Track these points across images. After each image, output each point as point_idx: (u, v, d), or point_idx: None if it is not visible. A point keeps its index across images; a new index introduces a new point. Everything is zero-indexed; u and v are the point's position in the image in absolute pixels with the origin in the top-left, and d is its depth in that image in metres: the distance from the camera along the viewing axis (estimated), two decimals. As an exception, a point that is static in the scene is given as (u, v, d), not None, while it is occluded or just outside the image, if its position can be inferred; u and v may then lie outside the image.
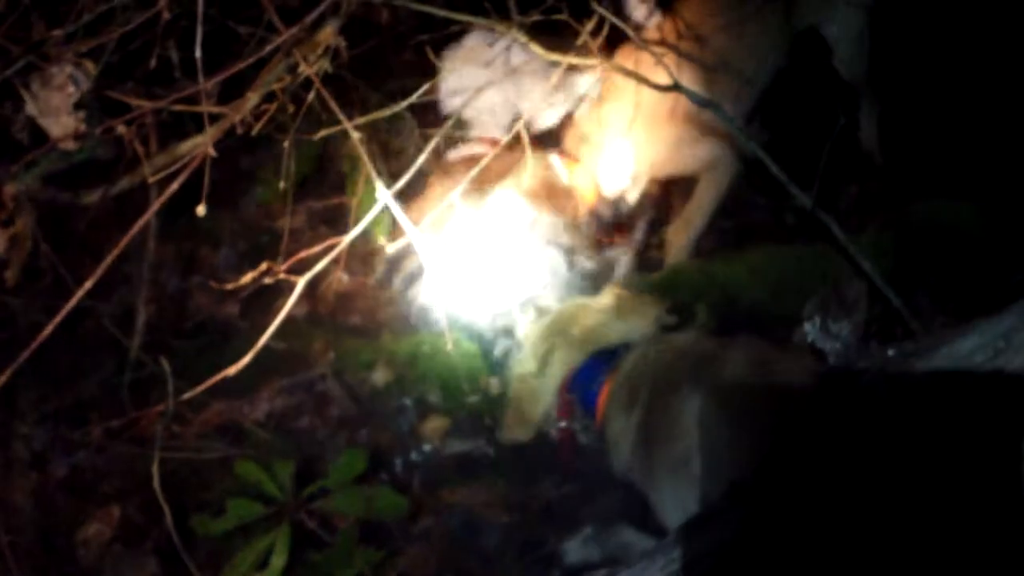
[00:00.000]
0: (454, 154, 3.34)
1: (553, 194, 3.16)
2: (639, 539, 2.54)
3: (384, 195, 2.37)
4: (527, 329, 2.80)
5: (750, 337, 2.53)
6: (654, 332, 2.64)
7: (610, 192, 3.22)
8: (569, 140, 3.27)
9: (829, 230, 2.75)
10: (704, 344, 2.51)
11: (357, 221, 2.51)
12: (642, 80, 2.74)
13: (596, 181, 3.22)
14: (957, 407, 2.06)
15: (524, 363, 2.75)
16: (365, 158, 2.49)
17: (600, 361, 2.61)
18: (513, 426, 2.79)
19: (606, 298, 2.76)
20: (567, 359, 2.67)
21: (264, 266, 2.69)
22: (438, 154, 3.31)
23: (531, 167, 3.03)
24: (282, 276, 2.69)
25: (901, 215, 3.08)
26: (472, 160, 3.07)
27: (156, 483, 2.49)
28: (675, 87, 2.65)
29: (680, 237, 3.23)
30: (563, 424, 2.68)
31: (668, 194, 3.39)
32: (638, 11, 3.19)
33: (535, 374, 2.71)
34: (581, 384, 2.62)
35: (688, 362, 2.44)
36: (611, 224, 3.29)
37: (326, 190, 3.57)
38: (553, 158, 3.19)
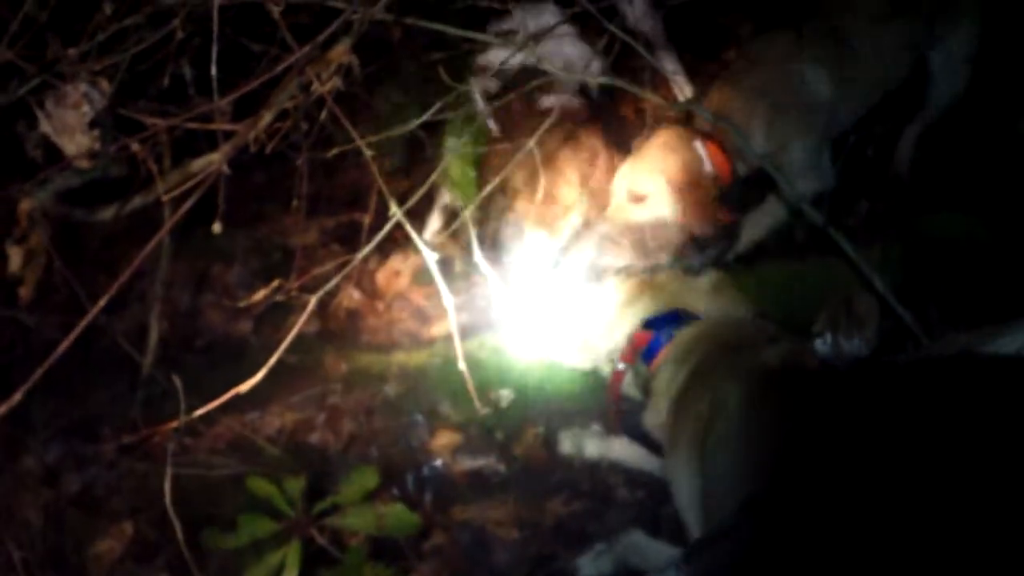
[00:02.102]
0: (547, 101, 3.36)
1: (694, 181, 3.14)
2: (650, 544, 2.56)
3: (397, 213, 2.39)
4: (620, 280, 2.84)
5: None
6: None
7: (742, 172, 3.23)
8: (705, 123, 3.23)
9: (840, 245, 2.77)
10: (757, 333, 2.54)
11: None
12: (654, 97, 2.77)
13: (728, 161, 3.21)
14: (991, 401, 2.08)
15: (609, 302, 2.79)
16: (377, 175, 2.52)
17: (677, 316, 2.66)
18: (579, 351, 2.85)
19: (706, 278, 2.81)
20: (649, 308, 2.71)
21: (276, 283, 2.72)
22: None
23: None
24: (295, 293, 2.73)
25: (910, 229, 3.09)
26: (567, 111, 3.10)
27: (168, 499, 2.51)
28: (690, 103, 2.67)
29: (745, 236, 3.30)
30: (621, 366, 2.70)
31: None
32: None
33: (617, 310, 2.75)
34: (657, 327, 2.65)
35: (734, 345, 2.49)
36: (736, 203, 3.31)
37: (338, 207, 3.59)
38: (697, 143, 3.15)
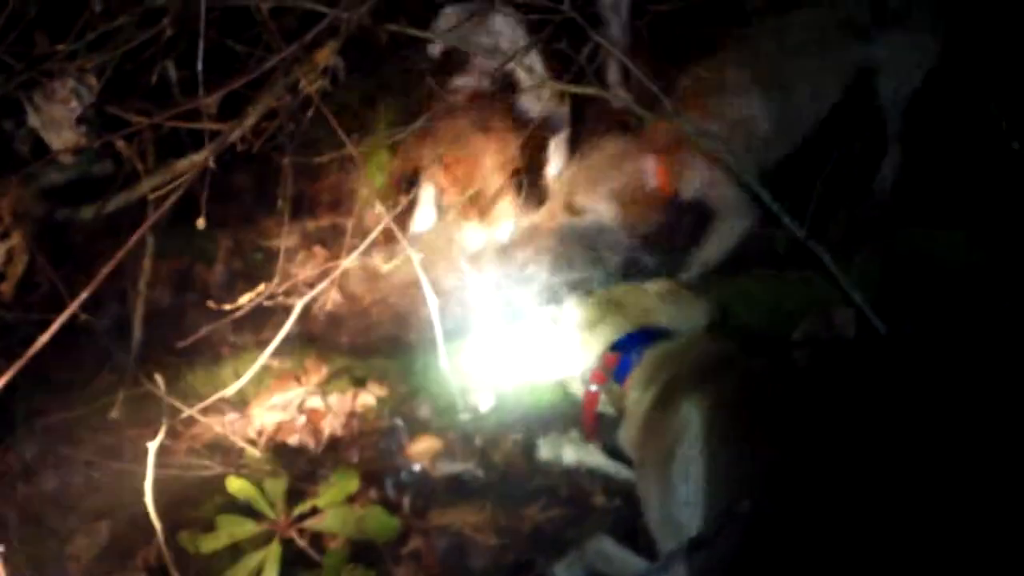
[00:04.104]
0: (459, 81, 3.36)
1: (640, 198, 3.17)
2: (617, 551, 2.57)
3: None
4: (581, 301, 2.83)
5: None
6: (697, 325, 2.72)
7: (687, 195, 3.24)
8: (658, 138, 3.24)
9: (819, 258, 2.79)
10: (721, 350, 2.55)
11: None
12: (637, 111, 2.79)
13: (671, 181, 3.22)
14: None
15: (574, 323, 2.79)
16: (365, 178, 2.53)
17: (646, 334, 2.66)
18: (551, 372, 2.86)
19: (658, 284, 2.81)
20: (615, 327, 2.70)
21: (262, 287, 2.72)
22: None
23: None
24: (279, 298, 2.73)
25: (889, 243, 3.12)
26: (476, 95, 3.09)
27: (149, 499, 2.50)
28: (673, 116, 2.69)
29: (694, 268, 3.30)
30: (593, 388, 2.70)
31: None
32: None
33: (584, 332, 2.75)
34: (626, 348, 2.65)
35: (701, 363, 2.49)
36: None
37: (320, 210, 3.59)
38: (647, 162, 3.17)
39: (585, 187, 3.16)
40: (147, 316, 3.13)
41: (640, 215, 3.16)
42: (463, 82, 3.37)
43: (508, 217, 3.35)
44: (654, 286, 2.80)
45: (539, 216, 3.24)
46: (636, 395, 2.55)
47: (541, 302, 2.98)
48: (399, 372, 3.18)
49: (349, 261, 2.59)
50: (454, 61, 3.28)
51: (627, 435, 2.59)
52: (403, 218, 3.31)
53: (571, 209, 3.16)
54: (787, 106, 3.25)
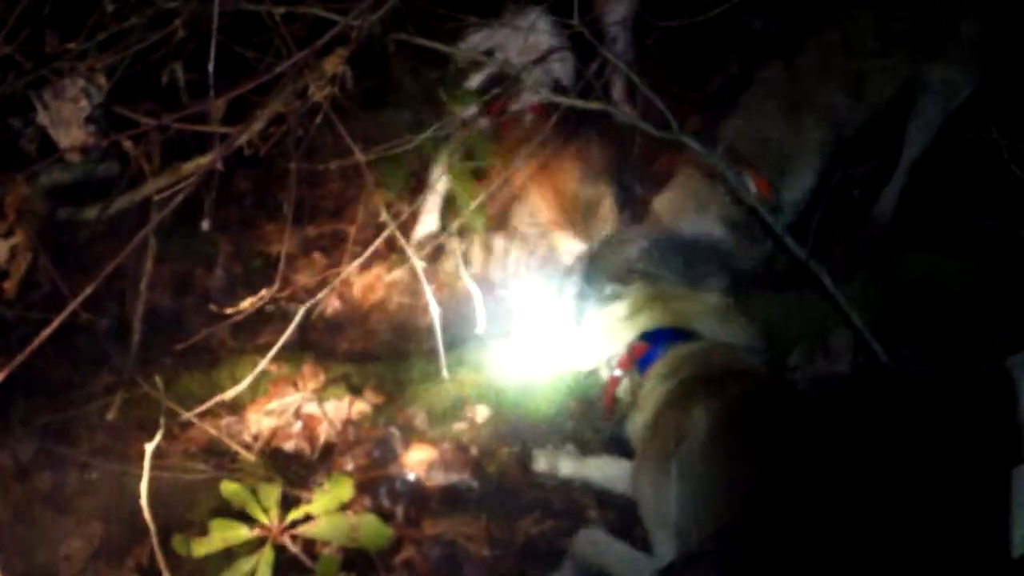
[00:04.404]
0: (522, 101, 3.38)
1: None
2: (610, 541, 2.59)
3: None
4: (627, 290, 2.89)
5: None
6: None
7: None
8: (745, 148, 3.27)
9: (819, 280, 2.80)
10: (742, 361, 2.60)
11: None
12: (643, 128, 2.81)
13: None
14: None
15: (616, 310, 2.85)
16: (372, 187, 2.53)
17: (676, 332, 2.73)
18: (581, 354, 2.92)
19: (711, 296, 2.85)
20: (652, 320, 2.78)
21: (264, 293, 2.72)
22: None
23: None
24: (281, 304, 2.74)
25: (889, 267, 3.13)
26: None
27: (144, 502, 2.50)
28: (677, 134, 2.70)
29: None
30: (618, 372, 2.76)
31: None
32: None
33: (622, 319, 2.81)
34: (654, 340, 2.72)
35: (716, 371, 2.56)
36: None
37: (321, 217, 3.59)
38: (747, 176, 3.20)
39: (692, 213, 3.21)
40: (146, 318, 3.12)
41: (753, 233, 3.19)
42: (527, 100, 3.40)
43: (607, 227, 3.38)
44: (708, 296, 2.83)
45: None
46: (652, 386, 2.62)
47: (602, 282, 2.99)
48: (396, 380, 3.18)
49: (351, 269, 2.59)
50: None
51: (635, 424, 2.65)
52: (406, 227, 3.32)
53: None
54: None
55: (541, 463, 2.92)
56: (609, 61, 3.25)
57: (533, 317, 3.12)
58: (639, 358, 2.69)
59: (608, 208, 3.42)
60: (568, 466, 2.88)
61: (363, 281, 3.46)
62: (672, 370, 2.61)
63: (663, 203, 3.24)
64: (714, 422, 2.38)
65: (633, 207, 3.46)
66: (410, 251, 2.58)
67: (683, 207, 3.21)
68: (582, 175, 3.39)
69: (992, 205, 3.18)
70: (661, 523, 2.43)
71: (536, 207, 3.37)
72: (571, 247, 3.35)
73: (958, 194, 3.34)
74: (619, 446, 2.80)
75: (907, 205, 3.43)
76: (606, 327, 2.86)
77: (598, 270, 3.13)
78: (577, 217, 3.38)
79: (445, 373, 2.53)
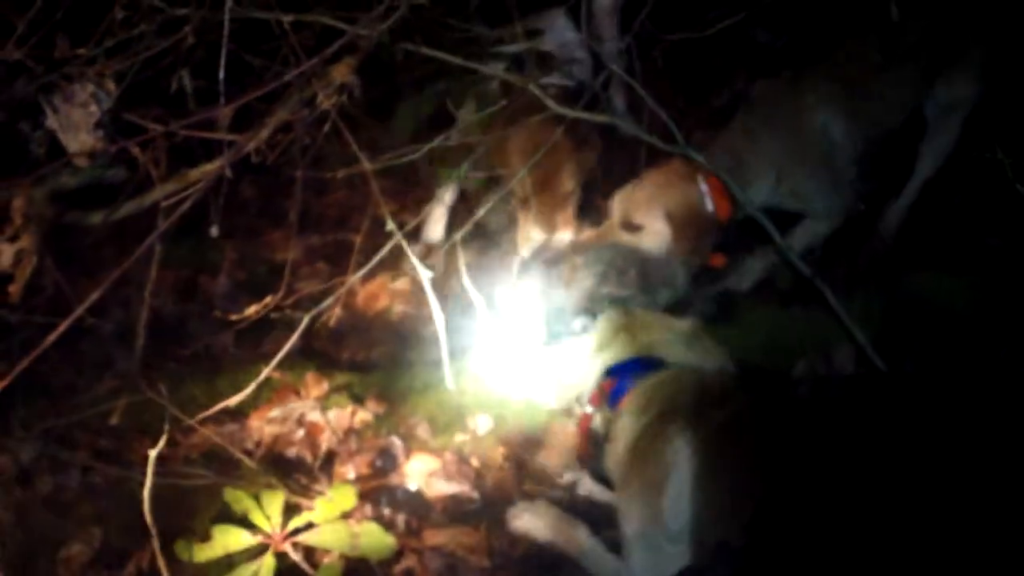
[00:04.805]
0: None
1: (692, 218, 3.16)
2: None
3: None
4: (595, 322, 2.87)
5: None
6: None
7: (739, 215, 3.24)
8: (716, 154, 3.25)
9: (822, 295, 2.81)
10: (713, 389, 2.57)
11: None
12: (651, 141, 2.82)
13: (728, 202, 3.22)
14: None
15: (584, 345, 2.83)
16: (379, 197, 2.54)
17: (645, 363, 2.69)
18: (552, 392, 2.93)
19: (683, 323, 2.83)
20: (620, 353, 2.74)
21: (268, 300, 2.73)
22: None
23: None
24: (285, 311, 2.74)
25: (893, 285, 3.14)
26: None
27: (146, 507, 2.50)
28: (683, 148, 2.71)
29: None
30: (589, 409, 2.74)
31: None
32: None
33: (590, 354, 2.79)
34: (621, 374, 2.68)
35: (689, 399, 2.53)
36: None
37: (326, 225, 3.60)
38: (700, 180, 3.17)
39: (643, 205, 3.17)
40: (150, 324, 3.13)
41: (695, 238, 3.18)
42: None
43: (569, 226, 3.36)
44: (679, 323, 2.81)
45: (597, 231, 3.26)
46: (626, 421, 2.59)
47: (569, 316, 2.99)
48: (399, 390, 3.19)
49: (355, 279, 2.60)
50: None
51: (612, 458, 2.62)
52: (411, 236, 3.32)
53: (628, 226, 3.17)
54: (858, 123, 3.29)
55: (519, 522, 2.86)
56: (614, 72, 3.27)
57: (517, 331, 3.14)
58: (608, 393, 2.67)
59: (571, 208, 3.41)
60: (546, 529, 2.82)
61: (367, 290, 3.47)
62: (645, 402, 2.58)
63: (617, 201, 3.24)
64: (700, 449, 2.39)
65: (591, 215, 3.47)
66: (416, 261, 2.58)
67: (633, 202, 3.20)
68: (569, 167, 3.37)
69: (995, 224, 3.19)
70: (643, 546, 2.44)
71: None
72: (532, 234, 3.37)
73: (961, 212, 3.35)
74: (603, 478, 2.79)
75: (911, 222, 3.43)
76: (575, 364, 2.84)
77: (562, 305, 3.15)
78: (548, 204, 3.37)
79: (450, 383, 2.53)
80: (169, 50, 2.64)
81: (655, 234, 3.16)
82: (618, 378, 2.67)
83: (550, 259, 3.30)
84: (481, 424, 3.10)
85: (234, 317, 2.79)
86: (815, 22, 3.70)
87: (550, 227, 3.33)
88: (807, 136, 3.24)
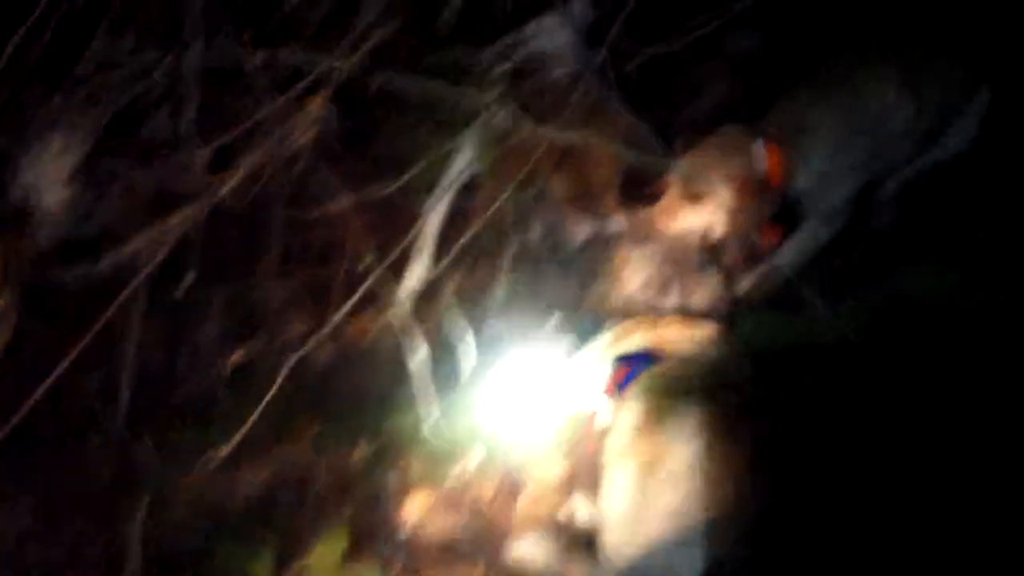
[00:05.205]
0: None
1: (752, 187, 3.12)
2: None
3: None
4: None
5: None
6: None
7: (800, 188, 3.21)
8: (777, 123, 3.23)
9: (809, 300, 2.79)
10: (717, 378, 2.59)
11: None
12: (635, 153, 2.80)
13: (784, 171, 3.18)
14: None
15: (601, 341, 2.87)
16: (353, 232, 2.51)
17: (655, 355, 2.73)
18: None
19: (704, 328, 2.83)
20: (634, 343, 2.80)
21: (250, 346, 2.70)
22: None
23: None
24: (271, 355, 2.71)
25: (886, 280, 3.10)
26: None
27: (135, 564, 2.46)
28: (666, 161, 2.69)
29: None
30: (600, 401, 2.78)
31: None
32: None
33: (608, 344, 2.83)
34: (634, 363, 2.73)
35: (693, 388, 2.54)
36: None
37: (311, 263, 3.56)
38: (758, 144, 3.13)
39: (703, 173, 3.12)
40: (136, 375, 3.09)
41: (754, 206, 3.13)
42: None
43: (619, 209, 3.31)
44: (700, 329, 2.80)
45: (657, 208, 3.19)
46: (628, 410, 2.60)
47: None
48: (391, 427, 3.14)
49: (335, 320, 2.58)
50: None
51: (611, 446, 2.60)
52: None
53: (691, 195, 3.11)
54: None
55: (520, 554, 2.83)
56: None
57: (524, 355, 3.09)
58: (620, 382, 2.69)
59: (617, 189, 3.34)
60: (547, 564, 2.78)
61: (355, 326, 3.42)
62: (646, 391, 2.60)
63: (678, 169, 3.18)
64: (692, 445, 2.38)
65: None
66: (396, 301, 2.54)
67: (693, 171, 3.14)
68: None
69: (988, 218, 3.16)
70: (626, 538, 2.42)
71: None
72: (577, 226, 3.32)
73: (954, 207, 3.31)
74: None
75: (904, 217, 3.40)
76: (594, 360, 2.85)
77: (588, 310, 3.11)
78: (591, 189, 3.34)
79: (433, 421, 2.51)
80: (142, 96, 2.61)
81: (718, 202, 3.10)
82: (630, 365, 2.71)
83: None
84: (475, 459, 3.05)
85: (217, 365, 2.75)
86: (798, 27, 3.68)
87: (597, 215, 3.30)
88: (870, 115, 3.20)
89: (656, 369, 2.67)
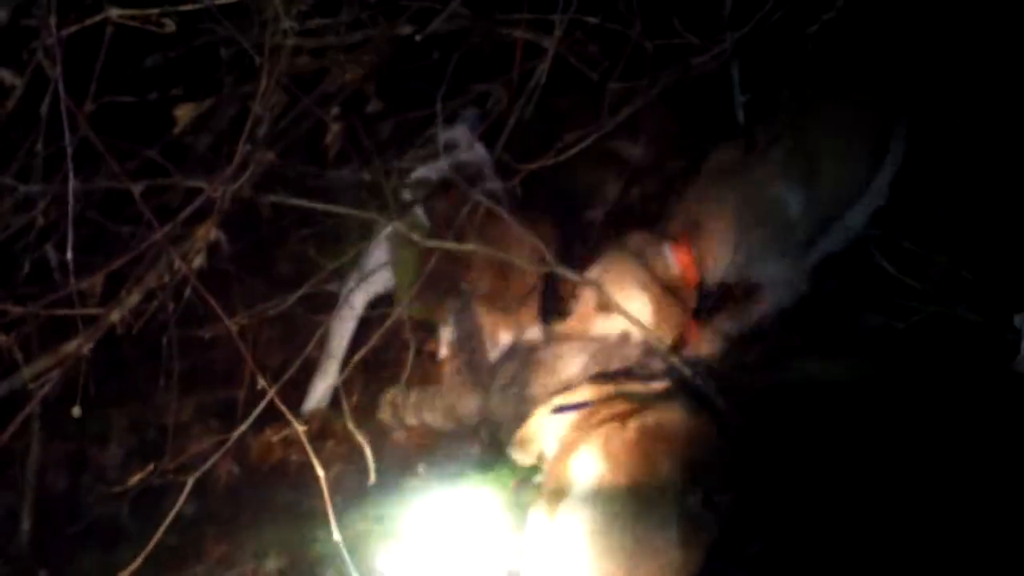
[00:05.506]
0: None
1: (667, 290, 3.16)
2: None
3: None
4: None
5: None
6: None
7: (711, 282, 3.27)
8: (676, 224, 3.28)
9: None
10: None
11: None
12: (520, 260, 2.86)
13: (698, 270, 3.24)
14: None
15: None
16: (244, 351, 2.53)
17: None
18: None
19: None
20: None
21: (151, 467, 2.69)
22: None
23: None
24: (171, 476, 2.69)
25: (777, 370, 3.16)
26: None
27: None
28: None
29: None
30: None
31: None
32: None
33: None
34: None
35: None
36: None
37: (214, 382, 3.56)
38: (666, 248, 3.19)
39: (617, 282, 3.14)
40: (40, 501, 3.07)
41: (673, 306, 3.18)
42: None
43: (534, 320, 3.31)
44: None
45: (571, 320, 3.23)
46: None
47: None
48: (301, 541, 3.11)
49: (235, 437, 2.58)
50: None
51: None
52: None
53: (604, 307, 3.11)
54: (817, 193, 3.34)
55: None
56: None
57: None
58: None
59: (536, 302, 3.35)
60: None
61: (259, 443, 3.42)
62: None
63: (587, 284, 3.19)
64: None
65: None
66: (291, 417, 2.55)
67: (608, 279, 3.14)
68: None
69: (874, 302, 3.23)
70: None
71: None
72: (499, 336, 3.31)
73: (841, 293, 3.39)
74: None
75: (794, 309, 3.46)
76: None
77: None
78: (510, 301, 3.32)
79: (337, 537, 2.50)
80: (26, 229, 2.63)
81: (636, 309, 3.08)
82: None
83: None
84: (386, 564, 3.04)
85: (120, 488, 2.73)
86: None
87: (517, 326, 3.29)
88: (766, 206, 3.29)
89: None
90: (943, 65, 3.42)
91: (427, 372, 3.49)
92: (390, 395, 3.38)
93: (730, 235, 3.25)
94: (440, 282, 3.21)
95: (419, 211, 3.32)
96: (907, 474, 2.53)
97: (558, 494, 2.58)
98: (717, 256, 3.25)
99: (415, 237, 2.98)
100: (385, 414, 3.37)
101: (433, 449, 3.32)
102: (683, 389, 2.83)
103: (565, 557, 2.50)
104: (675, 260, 3.20)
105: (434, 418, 3.29)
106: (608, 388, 2.88)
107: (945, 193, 3.41)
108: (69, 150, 2.33)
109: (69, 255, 2.26)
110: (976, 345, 2.89)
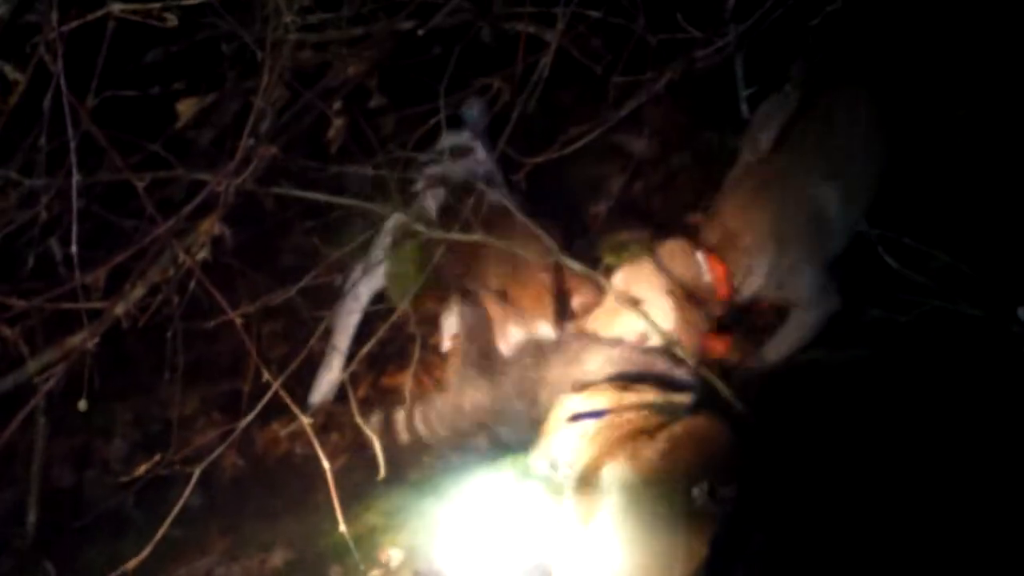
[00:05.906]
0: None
1: (694, 297, 3.10)
2: None
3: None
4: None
5: None
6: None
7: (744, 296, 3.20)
8: (711, 234, 3.22)
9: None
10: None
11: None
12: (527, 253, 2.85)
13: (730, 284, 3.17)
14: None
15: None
16: (248, 343, 2.54)
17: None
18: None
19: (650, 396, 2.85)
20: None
21: (157, 458, 2.69)
22: None
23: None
24: (177, 467, 2.70)
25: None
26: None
27: None
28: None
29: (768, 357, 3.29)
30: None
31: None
32: None
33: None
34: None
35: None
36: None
37: (218, 375, 3.57)
38: (700, 256, 3.13)
39: (643, 280, 3.11)
40: (46, 495, 3.08)
41: (695, 314, 3.12)
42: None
43: (550, 318, 3.27)
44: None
45: (595, 312, 3.18)
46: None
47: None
48: (306, 534, 3.13)
49: (240, 428, 2.58)
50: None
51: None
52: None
53: (630, 300, 3.06)
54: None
55: None
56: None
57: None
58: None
59: (550, 297, 3.29)
60: None
61: (265, 436, 3.44)
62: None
63: (619, 274, 3.17)
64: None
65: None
66: (296, 409, 2.56)
67: (632, 280, 3.11)
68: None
69: (877, 296, 3.23)
70: None
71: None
72: (511, 331, 3.25)
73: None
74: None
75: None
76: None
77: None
78: (524, 297, 3.27)
79: (343, 529, 2.50)
80: (31, 223, 2.64)
81: (657, 309, 3.06)
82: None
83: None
84: (394, 558, 3.05)
85: (126, 479, 2.74)
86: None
87: (529, 322, 3.25)
88: (806, 213, 3.21)
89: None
90: (943, 59, 3.40)
91: (432, 365, 3.49)
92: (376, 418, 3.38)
93: (768, 251, 3.17)
94: (446, 276, 3.22)
95: (425, 203, 3.34)
96: (910, 468, 2.53)
97: (590, 501, 2.57)
98: (753, 271, 3.17)
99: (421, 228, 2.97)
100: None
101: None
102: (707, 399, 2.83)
103: (601, 561, 2.50)
104: (708, 269, 3.14)
105: (440, 425, 3.28)
106: (629, 396, 2.87)
107: (946, 187, 3.39)
108: (72, 144, 2.34)
109: (73, 249, 2.27)
110: (979, 338, 2.90)
